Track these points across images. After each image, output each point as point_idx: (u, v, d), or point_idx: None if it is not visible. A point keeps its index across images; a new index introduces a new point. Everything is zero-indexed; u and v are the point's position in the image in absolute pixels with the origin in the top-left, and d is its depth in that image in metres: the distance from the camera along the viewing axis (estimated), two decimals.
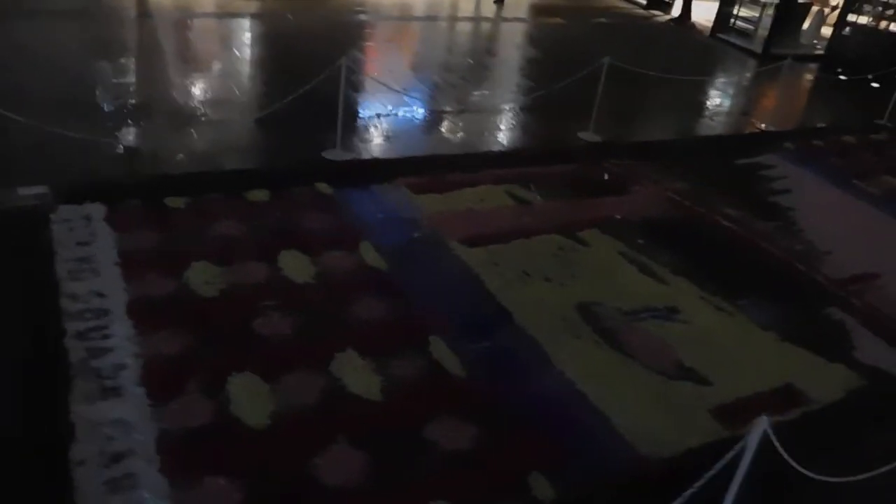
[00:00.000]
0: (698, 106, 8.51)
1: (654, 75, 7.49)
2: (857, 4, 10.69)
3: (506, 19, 11.61)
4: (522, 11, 12.17)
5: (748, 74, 9.95)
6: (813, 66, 11.25)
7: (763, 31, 11.35)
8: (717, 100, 8.91)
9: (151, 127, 5.75)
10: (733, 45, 11.46)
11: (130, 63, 7.36)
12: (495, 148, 6.42)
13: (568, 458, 3.15)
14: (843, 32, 10.79)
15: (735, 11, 11.79)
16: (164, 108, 6.11)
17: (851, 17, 10.83)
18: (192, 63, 7.59)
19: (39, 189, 4.61)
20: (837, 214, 6.06)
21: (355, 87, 7.04)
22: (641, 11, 13.32)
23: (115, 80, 6.57)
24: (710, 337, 4.16)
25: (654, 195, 5.86)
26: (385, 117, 6.65)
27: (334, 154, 5.67)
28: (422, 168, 5.63)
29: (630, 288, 4.51)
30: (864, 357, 4.20)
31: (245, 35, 9.06)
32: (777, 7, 10.90)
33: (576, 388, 3.57)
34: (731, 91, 9.29)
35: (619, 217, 5.39)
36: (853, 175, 6.89)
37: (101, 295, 3.72)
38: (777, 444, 2.60)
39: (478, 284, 4.30)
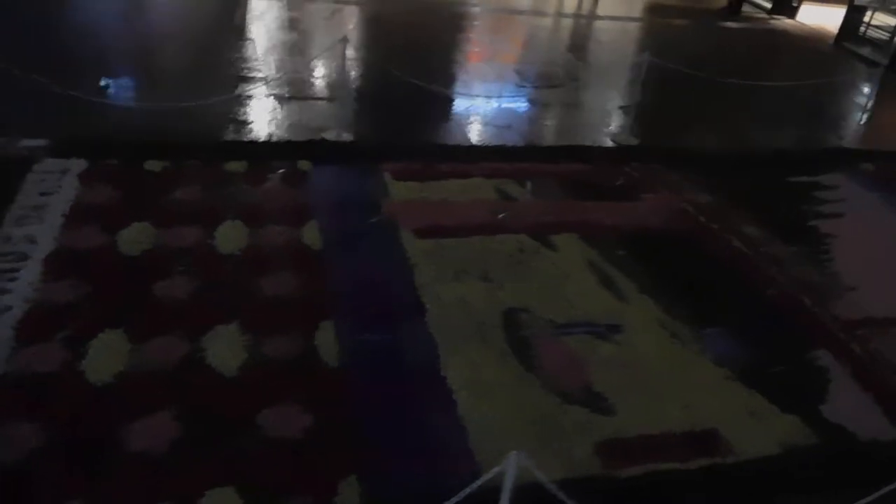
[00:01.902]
0: (780, 116, 7.64)
1: (737, 82, 6.84)
2: None
3: (618, 18, 11.09)
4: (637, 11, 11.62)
5: (860, 87, 8.80)
6: None
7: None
8: (806, 111, 7.95)
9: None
10: (858, 55, 10.20)
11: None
12: (518, 142, 6.11)
13: (396, 468, 2.92)
14: None
15: (867, 19, 10.48)
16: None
17: None
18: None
19: (39, 142, 4.95)
20: (889, 247, 5.21)
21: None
22: (765, 16, 12.21)
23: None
24: (643, 364, 3.70)
25: (665, 205, 5.33)
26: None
27: (331, 133, 5.64)
28: (413, 155, 5.47)
29: (578, 299, 4.12)
30: (833, 412, 3.56)
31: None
32: None
33: (451, 396, 3.31)
34: (828, 103, 8.25)
35: (609, 224, 4.95)
36: None
37: (32, 241, 3.93)
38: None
39: (407, 276, 4.11)
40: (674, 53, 9.06)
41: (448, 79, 7.16)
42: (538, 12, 10.97)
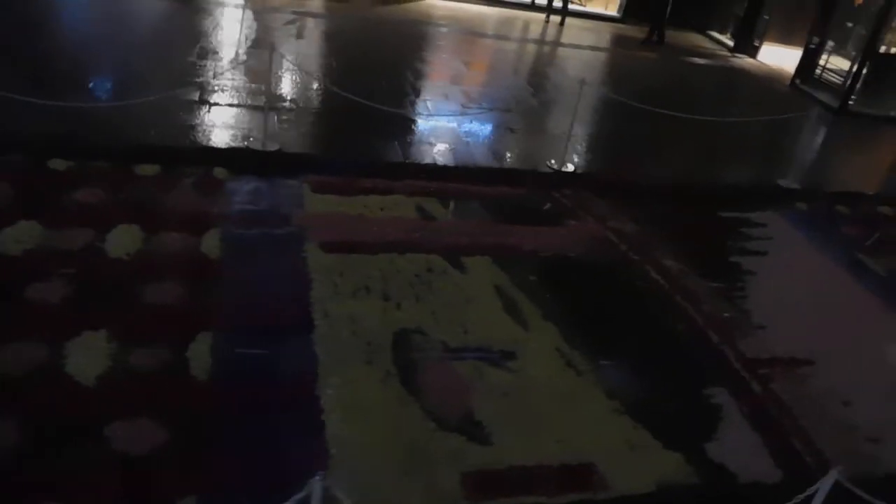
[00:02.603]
0: (725, 152, 7.66)
1: (685, 116, 6.84)
2: None
3: (581, 47, 11.14)
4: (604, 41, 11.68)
5: (808, 128, 8.88)
6: None
7: (854, 86, 10.15)
8: (751, 148, 7.97)
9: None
10: (812, 96, 10.31)
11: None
12: (451, 162, 6.04)
13: (241, 491, 2.78)
14: None
15: (822, 62, 10.61)
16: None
17: None
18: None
19: None
20: (807, 288, 5.18)
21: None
22: (727, 54, 12.34)
23: None
24: (531, 392, 3.60)
25: (588, 233, 5.27)
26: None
27: (256, 143, 5.54)
28: (336, 168, 5.37)
29: (477, 324, 4.02)
30: (718, 452, 3.48)
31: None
32: (864, 60, 9.66)
33: (321, 417, 3.18)
34: (773, 141, 8.29)
35: (527, 249, 4.87)
36: (862, 249, 5.90)
37: None
38: None
39: (303, 291, 3.99)
40: (629, 85, 9.17)
41: (392, 96, 7.09)
42: (503, 37, 10.99)
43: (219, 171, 5.01)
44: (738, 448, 3.53)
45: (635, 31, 12.22)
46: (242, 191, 4.88)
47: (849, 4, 10.73)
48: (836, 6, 10.57)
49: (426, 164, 5.81)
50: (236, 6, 9.28)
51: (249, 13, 9.16)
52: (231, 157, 5.17)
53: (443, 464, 3.09)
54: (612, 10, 12.75)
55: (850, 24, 10.63)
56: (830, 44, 10.77)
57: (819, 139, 8.67)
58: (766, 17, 12.11)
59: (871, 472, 3.53)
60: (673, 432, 3.53)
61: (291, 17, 9.38)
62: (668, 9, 11.26)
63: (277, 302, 3.89)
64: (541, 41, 11.00)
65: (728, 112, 8.03)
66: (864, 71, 10.18)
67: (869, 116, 9.87)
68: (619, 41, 11.87)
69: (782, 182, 6.97)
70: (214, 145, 5.33)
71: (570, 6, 12.13)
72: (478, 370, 3.68)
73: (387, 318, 3.90)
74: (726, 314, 4.62)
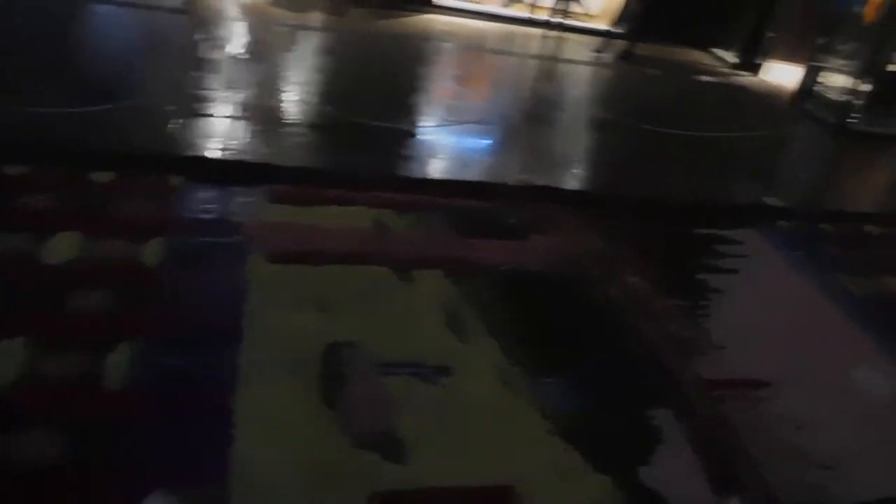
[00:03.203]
0: (713, 168, 7.50)
1: (675, 133, 6.74)
2: None
3: (580, 62, 11.05)
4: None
5: (804, 145, 8.69)
6: None
7: (858, 105, 9.92)
8: (741, 165, 7.79)
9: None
10: (812, 114, 10.10)
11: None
12: (421, 174, 5.97)
13: None
14: None
15: (822, 79, 10.39)
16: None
17: None
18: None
19: None
20: (776, 308, 5.00)
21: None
22: (728, 71, 12.16)
23: None
24: (460, 410, 3.48)
25: (552, 248, 5.14)
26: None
27: (218, 151, 5.51)
28: (298, 178, 5.32)
29: (415, 338, 3.92)
30: (652, 476, 3.33)
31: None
32: (863, 77, 9.44)
33: (231, 430, 3.09)
34: (766, 158, 8.11)
35: (483, 263, 4.76)
36: (843, 269, 5.70)
37: None
38: None
39: (239, 301, 3.92)
40: (620, 101, 9.07)
41: (375, 109, 7.04)
42: (498, 51, 10.92)
43: (175, 180, 4.97)
44: (675, 473, 3.38)
45: (637, 47, 12.11)
46: (196, 199, 4.84)
47: (852, 21, 10.50)
48: (839, 23, 10.38)
49: (393, 176, 5.75)
50: (233, 18, 9.34)
51: (244, 25, 9.22)
52: (189, 166, 5.13)
53: (352, 483, 2.98)
54: (613, 26, 12.62)
55: (852, 43, 10.38)
56: (835, 62, 10.57)
57: (814, 157, 8.47)
58: (772, 35, 11.91)
59: (816, 501, 3.38)
60: (606, 455, 3.39)
61: (285, 29, 9.40)
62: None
63: (210, 312, 3.82)
64: (537, 56, 10.91)
65: (721, 129, 7.87)
66: (868, 89, 9.98)
67: (871, 135, 9.63)
68: (622, 57, 11.73)
69: (768, 200, 6.79)
70: (173, 153, 5.30)
71: (570, 22, 12.06)
72: (407, 385, 3.57)
73: (321, 331, 3.81)
74: (685, 333, 4.46)
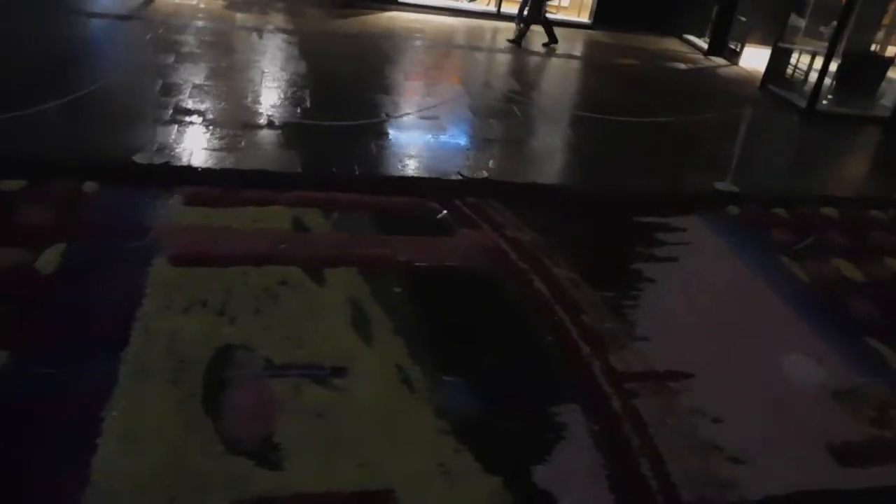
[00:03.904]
0: (664, 155, 7.32)
1: (630, 121, 6.57)
2: None
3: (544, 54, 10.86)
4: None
5: (767, 129, 8.48)
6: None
7: (827, 87, 9.71)
8: (697, 151, 7.61)
9: None
10: (782, 98, 9.91)
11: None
12: (354, 172, 5.83)
13: None
14: None
15: (793, 61, 10.20)
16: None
17: None
18: None
19: None
20: (712, 296, 4.83)
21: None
22: (700, 57, 11.95)
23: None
24: (350, 412, 3.35)
25: (479, 242, 5.00)
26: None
27: (143, 156, 5.40)
28: (218, 180, 5.20)
29: (314, 339, 3.79)
30: (547, 476, 3.18)
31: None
32: (830, 59, 9.21)
33: (95, 441, 2.97)
34: (721, 144, 7.91)
35: (402, 259, 4.62)
36: (786, 253, 5.52)
37: None
38: None
39: (133, 307, 3.80)
40: (577, 90, 8.91)
41: (319, 108, 6.93)
42: (461, 46, 10.74)
43: (89, 185, 4.86)
44: (572, 471, 3.23)
45: (606, 38, 11.95)
46: (106, 204, 4.73)
47: (821, 3, 10.31)
48: (808, 4, 10.20)
49: (320, 174, 5.61)
50: (184, 21, 9.24)
51: (196, 24, 9.13)
52: (105, 170, 5.03)
53: (218, 491, 2.85)
54: (584, 17, 12.47)
55: (821, 24, 10.19)
56: (804, 43, 10.39)
57: (775, 141, 8.27)
58: (743, 19, 11.71)
59: (722, 498, 3.22)
60: (501, 454, 3.25)
61: (241, 32, 9.30)
62: (543, 8, 10.72)
63: (100, 319, 3.70)
64: (501, 50, 10.75)
65: (680, 115, 7.68)
66: (837, 70, 9.79)
67: (840, 116, 9.43)
68: (584, 48, 11.58)
69: (719, 185, 6.61)
70: (89, 157, 5.19)
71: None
72: (297, 388, 3.44)
73: (213, 334, 3.69)
74: (606, 326, 4.31)
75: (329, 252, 4.58)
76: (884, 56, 10.25)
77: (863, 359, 4.41)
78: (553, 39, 10.81)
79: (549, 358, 3.98)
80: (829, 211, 6.43)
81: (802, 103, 9.41)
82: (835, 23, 9.31)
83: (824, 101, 9.90)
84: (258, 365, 3.54)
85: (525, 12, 10.91)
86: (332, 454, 3.10)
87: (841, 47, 9.43)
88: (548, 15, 11.09)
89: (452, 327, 4.08)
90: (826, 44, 9.62)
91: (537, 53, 10.79)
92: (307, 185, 5.38)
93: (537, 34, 11.05)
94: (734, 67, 11.41)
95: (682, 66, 11.16)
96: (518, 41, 10.63)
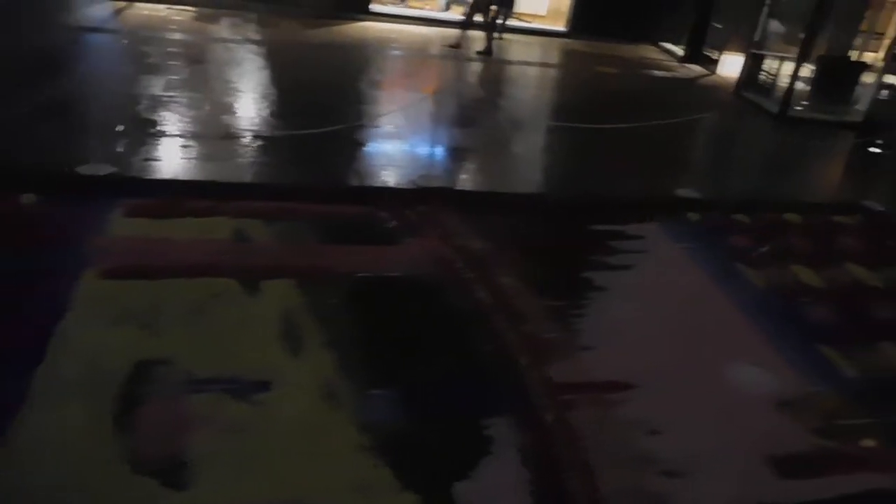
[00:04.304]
0: (628, 161, 7.24)
1: (594, 128, 6.49)
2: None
3: (521, 62, 10.81)
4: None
5: (737, 136, 8.42)
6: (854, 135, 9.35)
7: (799, 92, 9.65)
8: (664, 158, 7.53)
9: None
10: (755, 104, 9.85)
11: None
12: (302, 181, 5.74)
13: None
14: (880, 96, 8.86)
15: (766, 67, 10.15)
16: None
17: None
18: None
19: None
20: (664, 304, 4.73)
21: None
22: (676, 64, 11.90)
23: None
24: (269, 428, 3.24)
25: (425, 251, 4.90)
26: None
27: (89, 168, 5.31)
28: (163, 190, 5.11)
29: (240, 352, 3.69)
30: (468, 492, 3.06)
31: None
32: (800, 63, 9.14)
33: None
34: (688, 150, 7.85)
35: (343, 270, 4.53)
36: (748, 261, 5.42)
37: None
38: None
39: (55, 321, 3.69)
40: (546, 99, 8.84)
41: (268, 117, 6.85)
42: (429, 55, 10.67)
43: (27, 197, 4.77)
44: (495, 487, 3.11)
45: (581, 46, 11.90)
46: (43, 216, 4.64)
47: (794, 8, 10.28)
48: (782, 11, 10.16)
49: (265, 184, 5.52)
50: (151, 32, 9.19)
51: (163, 35, 9.07)
52: (47, 182, 4.93)
53: None
54: (560, 26, 12.43)
55: (794, 30, 10.14)
56: (777, 49, 10.35)
57: (745, 146, 8.20)
58: (719, 27, 11.67)
59: None
60: (422, 470, 3.14)
61: (210, 43, 9.24)
62: (486, 14, 10.54)
63: (19, 333, 3.60)
64: (472, 59, 10.69)
65: (647, 122, 7.61)
66: (809, 76, 9.74)
67: (813, 122, 9.37)
68: (556, 56, 11.52)
69: (681, 192, 6.53)
70: (30, 169, 5.10)
71: (512, 22, 11.86)
72: (215, 404, 3.33)
73: (135, 349, 3.58)
74: (548, 336, 4.21)
75: (267, 263, 4.48)
76: (859, 61, 10.20)
77: (814, 367, 4.30)
78: (489, 50, 10.63)
79: (485, 370, 3.87)
80: (792, 216, 6.35)
81: (775, 109, 9.34)
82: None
83: (798, 107, 9.85)
84: (178, 380, 3.44)
85: (491, 21, 10.88)
86: (242, 472, 2.99)
87: (814, 52, 9.38)
88: (520, 23, 11.07)
89: (387, 339, 3.98)
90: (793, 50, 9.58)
91: (509, 62, 10.75)
92: (253, 196, 5.29)
93: (516, 44, 11.03)
94: (709, 74, 11.36)
95: (658, 73, 11.11)
96: (488, 51, 10.56)
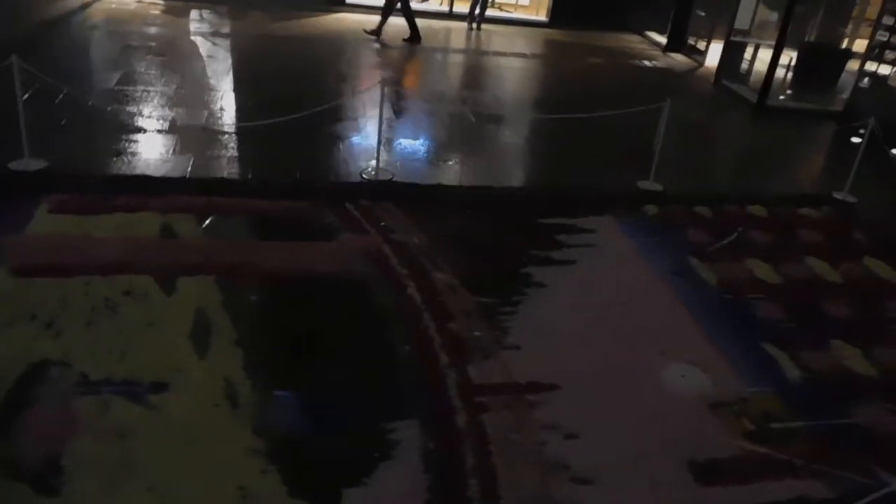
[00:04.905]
0: (593, 153, 7.06)
1: (559, 117, 6.31)
2: (877, 50, 8.48)
3: (503, 54, 10.61)
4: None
5: (713, 126, 8.20)
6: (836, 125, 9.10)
7: (777, 81, 9.40)
8: (626, 148, 7.32)
9: None
10: (735, 93, 9.62)
11: None
12: (244, 176, 5.59)
13: None
14: (861, 84, 8.61)
15: (747, 55, 9.91)
16: None
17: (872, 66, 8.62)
18: None
19: None
20: (606, 301, 4.56)
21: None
22: (658, 53, 11.66)
23: None
24: (158, 430, 3.10)
25: (360, 247, 4.75)
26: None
27: (20, 163, 5.19)
28: (93, 187, 4.99)
29: (142, 352, 3.55)
30: (360, 499, 2.92)
31: None
32: (777, 52, 8.89)
33: None
34: (659, 142, 7.62)
35: (268, 266, 4.38)
36: (699, 254, 5.24)
37: None
38: None
39: None
40: (513, 90, 8.66)
41: (220, 110, 6.71)
42: (419, 48, 10.50)
43: None
44: (389, 494, 2.97)
45: (562, 36, 11.69)
46: None
47: None
48: None
49: (200, 179, 5.38)
50: (116, 26, 9.07)
51: (126, 28, 8.94)
52: None
53: None
54: (542, 16, 12.21)
55: (775, 17, 9.89)
56: (757, 37, 10.11)
57: (718, 137, 7.98)
58: (702, 14, 11.43)
59: None
60: (315, 476, 2.99)
61: (169, 34, 9.11)
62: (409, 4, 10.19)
63: None
64: (466, 50, 10.50)
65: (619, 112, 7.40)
66: (789, 64, 9.51)
67: (794, 111, 9.14)
68: (536, 46, 11.30)
69: (642, 183, 6.34)
70: None
71: (493, 12, 11.67)
72: (105, 406, 3.19)
73: (32, 349, 3.46)
74: (475, 333, 4.05)
75: (191, 259, 4.34)
76: (843, 48, 9.93)
77: (757, 366, 4.12)
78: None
79: (402, 369, 3.72)
80: (756, 209, 6.16)
81: (755, 99, 9.11)
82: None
83: (783, 97, 9.62)
84: (71, 381, 3.31)
85: (476, 11, 10.68)
86: (119, 478, 2.85)
87: (807, 40, 9.13)
88: (501, 13, 10.88)
89: (305, 337, 3.84)
90: (806, 39, 9.35)
91: (463, 51, 10.56)
92: (190, 190, 5.15)
93: (492, 34, 10.83)
94: (690, 63, 11.13)
95: (637, 62, 10.88)
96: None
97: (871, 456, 3.51)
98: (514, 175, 6.36)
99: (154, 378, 3.39)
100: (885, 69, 8.30)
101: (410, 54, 10.11)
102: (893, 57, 8.17)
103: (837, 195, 6.69)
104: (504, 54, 10.47)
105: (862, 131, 6.80)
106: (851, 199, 6.67)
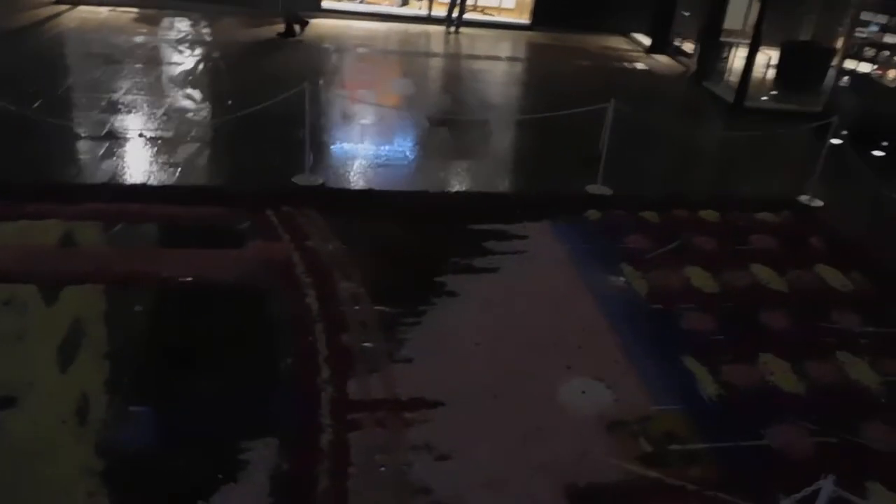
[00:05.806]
0: (547, 156, 6.81)
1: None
2: (856, 48, 8.11)
3: (479, 57, 10.41)
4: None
5: (683, 128, 7.89)
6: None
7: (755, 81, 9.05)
8: (583, 151, 7.05)
9: None
10: (713, 93, 9.30)
11: None
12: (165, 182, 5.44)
13: None
14: (841, 83, 8.24)
15: (728, 55, 9.58)
16: None
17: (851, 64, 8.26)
18: None
19: None
20: (522, 311, 4.33)
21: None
22: (641, 54, 11.35)
23: None
24: None
25: (268, 255, 4.58)
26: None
27: None
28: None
29: (7, 365, 3.40)
30: None
31: None
32: (753, 52, 8.55)
33: None
34: (622, 144, 7.34)
35: (164, 275, 4.23)
36: (634, 262, 4.97)
37: None
38: None
39: None
40: (473, 91, 8.45)
41: (160, 116, 6.59)
42: (414, 52, 10.28)
43: None
44: None
45: (544, 39, 11.45)
46: None
47: None
48: None
49: (119, 185, 5.25)
50: (83, 34, 9.03)
51: (93, 37, 8.89)
52: None
53: None
54: (524, 19, 11.98)
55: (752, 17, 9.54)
56: (734, 36, 9.79)
57: (686, 139, 7.67)
58: (687, 14, 11.11)
59: None
60: (149, 499, 2.81)
61: (137, 42, 9.05)
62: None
63: None
64: (446, 55, 10.29)
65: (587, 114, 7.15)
66: (777, 63, 9.18)
67: (772, 112, 8.78)
68: (514, 50, 11.05)
69: (591, 188, 6.09)
70: None
71: (474, 15, 11.48)
72: None
73: None
74: (366, 345, 3.84)
75: (83, 268, 4.20)
76: (826, 46, 9.55)
77: (669, 383, 3.87)
78: (290, 33, 9.85)
79: (277, 384, 3.53)
80: (708, 214, 5.87)
81: (727, 98, 8.80)
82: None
83: (764, 98, 9.29)
84: None
85: (454, 14, 10.51)
86: None
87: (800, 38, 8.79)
88: (482, 16, 10.71)
89: (183, 349, 3.67)
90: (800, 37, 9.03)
91: (458, 56, 10.37)
92: (104, 197, 5.02)
93: (476, 37, 10.63)
94: (674, 65, 10.81)
95: (616, 64, 10.59)
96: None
97: (777, 481, 3.24)
98: (456, 180, 6.14)
99: (7, 392, 3.24)
100: (864, 67, 7.94)
101: (382, 59, 9.94)
102: (872, 54, 7.81)
103: (803, 198, 6.36)
104: (479, 58, 10.26)
105: (843, 134, 6.47)
106: (818, 203, 6.34)
